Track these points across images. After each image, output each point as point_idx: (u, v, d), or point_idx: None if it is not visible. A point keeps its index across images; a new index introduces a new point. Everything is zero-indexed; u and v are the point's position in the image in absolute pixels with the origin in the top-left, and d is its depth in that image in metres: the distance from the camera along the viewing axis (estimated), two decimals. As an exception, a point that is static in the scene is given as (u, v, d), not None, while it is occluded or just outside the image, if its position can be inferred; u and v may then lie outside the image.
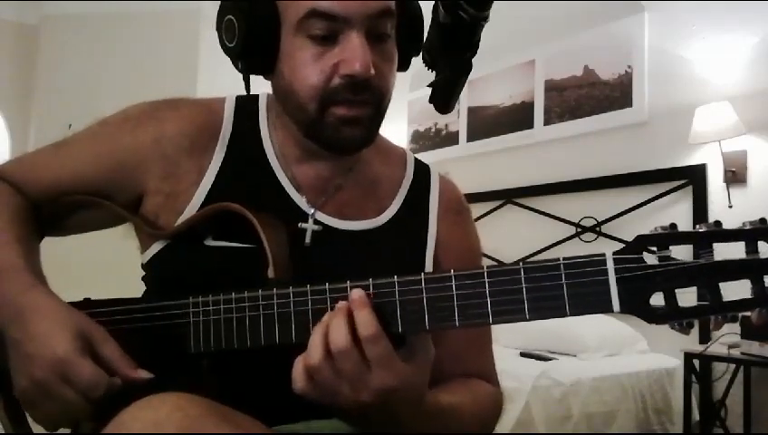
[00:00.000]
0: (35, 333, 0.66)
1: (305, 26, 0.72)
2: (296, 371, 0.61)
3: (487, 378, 0.87)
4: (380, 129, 0.91)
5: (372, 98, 0.74)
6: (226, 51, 0.78)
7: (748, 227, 0.53)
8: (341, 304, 0.60)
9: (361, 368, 0.58)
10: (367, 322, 0.58)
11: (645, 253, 0.55)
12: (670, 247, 0.55)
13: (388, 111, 0.79)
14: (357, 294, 0.60)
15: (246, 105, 0.86)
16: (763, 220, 0.53)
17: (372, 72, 0.72)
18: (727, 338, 2.45)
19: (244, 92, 0.84)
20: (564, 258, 0.56)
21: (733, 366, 2.53)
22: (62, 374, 0.64)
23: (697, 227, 0.55)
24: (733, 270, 0.53)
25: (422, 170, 0.91)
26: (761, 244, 0.53)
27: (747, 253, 0.53)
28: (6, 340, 0.69)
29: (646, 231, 0.56)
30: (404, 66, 0.82)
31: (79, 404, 0.65)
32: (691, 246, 0.55)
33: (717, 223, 0.55)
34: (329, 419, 0.75)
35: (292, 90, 0.75)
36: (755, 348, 2.32)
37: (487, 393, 0.84)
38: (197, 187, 0.80)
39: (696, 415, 2.61)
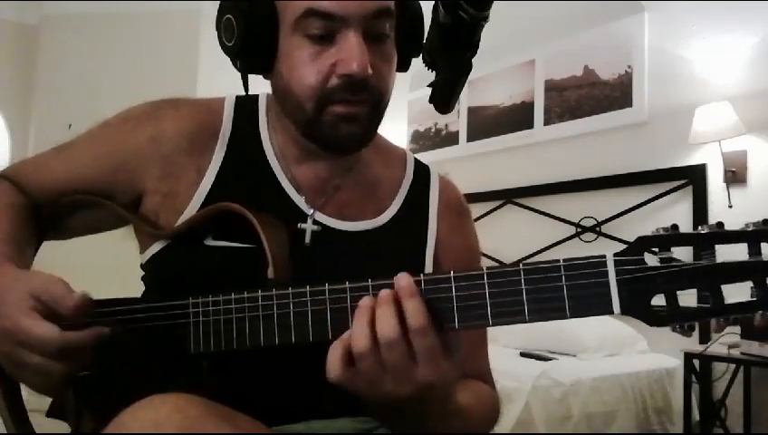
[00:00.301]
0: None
1: (303, 26, 0.72)
2: (333, 358, 0.59)
3: (484, 380, 0.87)
4: (380, 129, 0.91)
5: (370, 97, 0.74)
6: (225, 50, 0.78)
7: (750, 229, 0.53)
8: (386, 292, 0.58)
9: (407, 361, 0.57)
10: (417, 312, 0.57)
11: (646, 254, 0.55)
12: (671, 249, 0.55)
13: (388, 111, 0.79)
14: (405, 281, 0.58)
15: (246, 105, 0.86)
16: (765, 221, 0.53)
17: (370, 71, 0.71)
18: (727, 338, 2.44)
19: (244, 93, 0.84)
20: (564, 260, 0.56)
21: (733, 366, 2.53)
22: (17, 341, 0.64)
23: (699, 228, 0.55)
24: (735, 272, 0.53)
25: (422, 171, 0.91)
26: (763, 245, 0.53)
27: (750, 254, 0.53)
28: None
29: (646, 231, 0.55)
30: (404, 67, 0.82)
31: (47, 365, 0.64)
32: (692, 248, 0.55)
33: (720, 224, 0.54)
34: (329, 419, 0.75)
35: (289, 89, 0.75)
36: (755, 348, 2.32)
37: (488, 396, 0.84)
38: (197, 186, 0.79)
39: (696, 415, 2.61)
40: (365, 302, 0.59)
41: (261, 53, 0.76)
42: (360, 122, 0.75)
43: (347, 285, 0.62)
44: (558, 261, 0.56)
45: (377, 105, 0.76)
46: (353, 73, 0.71)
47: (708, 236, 0.54)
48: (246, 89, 0.82)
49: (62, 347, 0.64)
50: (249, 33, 0.75)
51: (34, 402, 0.82)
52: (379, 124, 0.79)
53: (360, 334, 0.57)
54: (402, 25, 0.78)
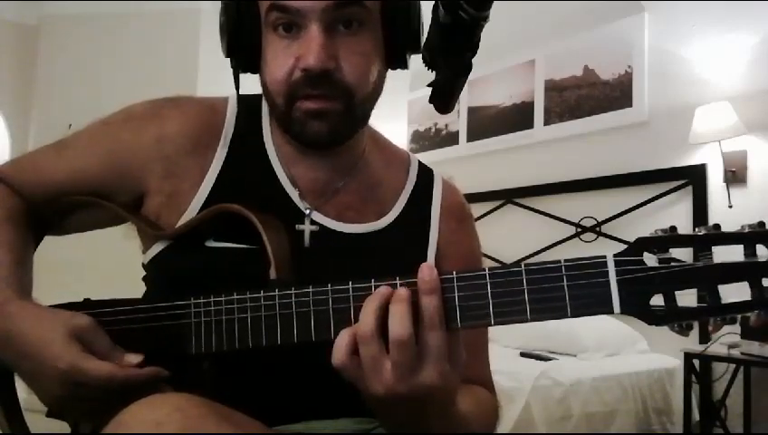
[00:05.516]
0: (26, 352, 0.66)
1: (270, 20, 0.74)
2: (340, 342, 0.58)
3: (484, 384, 0.86)
4: (380, 129, 0.91)
5: (338, 92, 0.73)
6: (222, 49, 0.79)
7: (747, 231, 0.54)
8: (404, 290, 0.58)
9: (412, 356, 0.57)
10: (436, 309, 0.57)
11: (645, 254, 0.55)
12: (670, 250, 0.55)
13: (388, 110, 0.79)
14: (429, 275, 0.58)
15: (249, 105, 0.86)
16: (761, 224, 0.54)
17: (331, 65, 0.71)
18: (727, 338, 2.45)
19: (244, 93, 0.84)
20: (566, 260, 0.57)
21: (733, 366, 2.54)
22: (75, 383, 0.64)
23: (697, 230, 0.55)
24: (731, 272, 0.54)
25: (425, 175, 0.91)
26: (759, 247, 0.53)
27: (746, 256, 0.53)
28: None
29: (646, 231, 0.56)
30: (402, 64, 0.81)
31: (108, 395, 0.65)
32: (691, 248, 0.55)
33: (716, 226, 0.55)
34: (329, 419, 0.75)
35: (266, 85, 0.77)
36: (755, 348, 2.32)
37: (488, 401, 0.84)
38: (199, 186, 0.79)
39: (696, 415, 2.61)
40: (381, 289, 0.59)
41: (246, 51, 0.77)
42: (329, 119, 0.74)
43: (350, 284, 0.62)
44: (559, 261, 0.57)
45: (348, 100, 0.74)
46: (309, 67, 0.71)
47: (705, 238, 0.54)
48: (237, 87, 0.83)
49: (125, 383, 0.65)
50: (235, 32, 0.76)
51: (33, 402, 0.82)
52: (357, 121, 0.78)
53: (366, 318, 0.57)
54: (393, 20, 0.77)
